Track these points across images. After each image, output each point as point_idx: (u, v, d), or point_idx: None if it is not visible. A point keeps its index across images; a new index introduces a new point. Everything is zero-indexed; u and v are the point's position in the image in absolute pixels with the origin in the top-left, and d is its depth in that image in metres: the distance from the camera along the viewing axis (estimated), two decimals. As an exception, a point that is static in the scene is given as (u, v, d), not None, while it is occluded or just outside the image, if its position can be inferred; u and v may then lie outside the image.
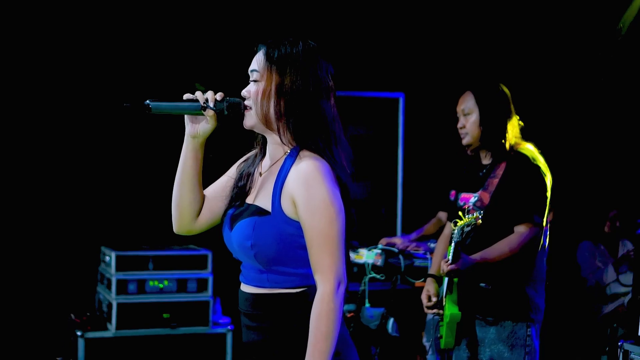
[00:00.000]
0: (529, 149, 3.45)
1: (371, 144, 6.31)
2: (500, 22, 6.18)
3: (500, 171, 3.42)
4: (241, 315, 2.26)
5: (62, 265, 5.35)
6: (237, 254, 2.23)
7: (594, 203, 6.41)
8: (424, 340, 4.71)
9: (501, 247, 3.32)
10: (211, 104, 2.21)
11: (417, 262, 4.59)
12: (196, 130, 2.24)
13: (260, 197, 2.19)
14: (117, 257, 4.92)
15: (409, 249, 4.66)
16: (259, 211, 2.15)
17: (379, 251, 4.66)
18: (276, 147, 2.23)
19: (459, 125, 3.57)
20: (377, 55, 6.10)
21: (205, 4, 5.60)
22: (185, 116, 2.25)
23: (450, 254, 3.27)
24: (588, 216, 6.40)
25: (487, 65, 6.07)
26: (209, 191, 2.36)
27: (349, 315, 4.74)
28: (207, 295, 5.05)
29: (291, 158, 2.16)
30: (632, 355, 3.65)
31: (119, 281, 4.89)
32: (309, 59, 2.19)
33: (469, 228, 3.28)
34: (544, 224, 3.40)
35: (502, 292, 3.36)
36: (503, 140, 3.44)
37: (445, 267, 3.28)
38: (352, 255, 4.69)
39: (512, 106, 3.52)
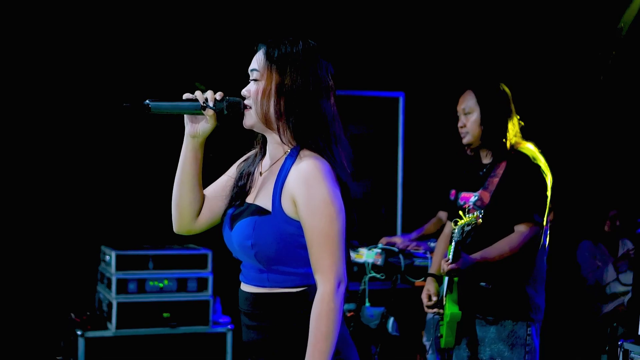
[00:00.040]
0: (530, 148, 3.45)
1: (371, 143, 6.31)
2: (500, 22, 6.18)
3: (500, 170, 3.42)
4: (241, 314, 2.26)
5: (62, 264, 5.35)
6: (237, 254, 2.23)
7: (593, 202, 6.41)
8: (424, 339, 4.71)
9: (501, 247, 3.32)
10: (211, 104, 2.21)
11: (417, 262, 4.59)
12: (196, 129, 2.24)
13: (261, 196, 2.19)
14: (117, 257, 4.92)
15: (409, 248, 4.66)
16: (259, 211, 2.15)
17: (379, 250, 4.65)
18: (276, 146, 2.23)
19: (459, 125, 3.56)
20: (377, 54, 6.10)
21: (205, 4, 5.60)
22: (185, 116, 2.25)
23: (451, 253, 3.27)
24: (588, 215, 6.40)
25: (487, 65, 6.07)
26: (209, 191, 2.36)
27: (349, 314, 4.74)
28: (207, 294, 5.06)
29: (291, 157, 2.16)
30: (632, 355, 3.65)
31: (119, 280, 4.89)
32: (309, 58, 2.18)
33: (470, 227, 3.28)
34: (544, 223, 3.40)
35: (503, 292, 3.36)
36: (504, 140, 3.44)
37: (445, 267, 3.28)
38: (352, 255, 4.69)
39: (512, 105, 3.52)
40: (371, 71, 6.15)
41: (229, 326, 5.11)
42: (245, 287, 2.24)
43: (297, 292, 2.15)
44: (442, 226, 4.20)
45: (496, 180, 3.41)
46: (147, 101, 2.17)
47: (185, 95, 2.22)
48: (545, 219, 3.40)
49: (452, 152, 4.13)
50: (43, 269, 5.33)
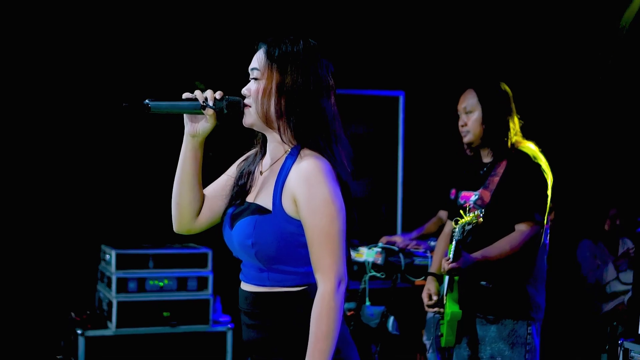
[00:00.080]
0: (530, 147, 3.45)
1: (371, 142, 6.31)
2: (500, 21, 6.18)
3: (501, 169, 3.42)
4: (241, 313, 2.26)
5: (62, 263, 5.35)
6: (237, 253, 2.23)
7: (594, 201, 6.41)
8: (424, 338, 4.71)
9: (502, 246, 3.32)
10: (210, 103, 2.20)
11: (417, 261, 4.58)
12: (196, 129, 2.24)
13: (261, 195, 2.19)
14: (117, 256, 4.92)
15: (409, 247, 4.66)
16: (260, 210, 2.15)
17: (379, 249, 4.65)
18: (276, 145, 2.23)
19: (460, 123, 3.56)
20: (378, 53, 6.10)
21: (205, 4, 5.59)
22: (185, 115, 2.25)
23: (451, 252, 3.27)
24: (588, 214, 6.40)
25: (487, 64, 6.07)
26: (209, 190, 2.36)
27: (349, 313, 4.74)
28: (207, 293, 5.06)
29: (292, 157, 2.16)
30: (632, 354, 3.65)
31: (119, 279, 4.89)
32: (309, 57, 2.18)
33: (470, 226, 3.27)
34: (545, 222, 3.40)
35: (503, 291, 3.36)
36: (505, 138, 3.44)
37: (446, 266, 3.28)
38: (353, 254, 4.69)
39: (512, 104, 3.52)
40: (371, 70, 6.15)
41: (229, 325, 5.11)
42: (245, 286, 2.24)
43: (297, 291, 2.15)
44: (443, 225, 4.20)
45: (497, 179, 3.40)
46: (146, 101, 2.17)
47: (185, 95, 2.22)
48: (545, 217, 3.40)
49: (453, 151, 4.13)
50: (43, 268, 5.33)
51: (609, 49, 6.04)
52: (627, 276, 5.86)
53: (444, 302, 3.43)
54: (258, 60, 2.21)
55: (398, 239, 4.76)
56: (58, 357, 5.13)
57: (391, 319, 4.67)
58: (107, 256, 5.07)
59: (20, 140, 5.30)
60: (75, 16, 5.32)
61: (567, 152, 6.13)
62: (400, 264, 4.55)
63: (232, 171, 2.36)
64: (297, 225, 2.12)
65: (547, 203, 3.39)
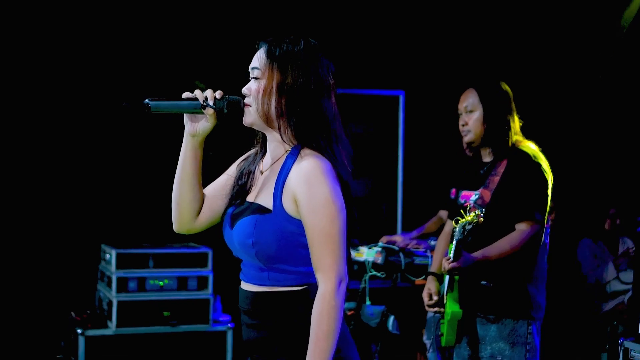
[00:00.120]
0: (530, 147, 3.45)
1: (371, 142, 6.30)
2: (500, 21, 6.17)
3: (501, 169, 3.42)
4: (241, 313, 2.26)
5: (62, 263, 5.35)
6: (237, 252, 2.23)
7: (594, 201, 6.41)
8: (425, 337, 4.71)
9: (502, 245, 3.32)
10: (211, 102, 2.20)
11: (418, 260, 4.58)
12: (196, 128, 2.24)
13: (262, 195, 2.19)
14: (118, 255, 4.92)
15: (409, 246, 4.66)
16: (261, 209, 2.15)
17: (380, 249, 4.65)
18: (277, 145, 2.23)
19: (460, 123, 3.55)
20: (378, 53, 6.10)
21: (204, 3, 5.59)
22: (185, 115, 2.25)
23: (452, 252, 3.27)
24: (588, 214, 6.40)
25: (487, 64, 6.06)
26: (209, 190, 2.35)
27: (349, 313, 4.74)
28: (208, 293, 5.06)
29: (292, 156, 2.16)
30: (632, 353, 3.65)
31: (119, 279, 4.89)
32: (310, 57, 2.18)
33: (471, 226, 3.27)
34: (545, 221, 3.40)
35: (503, 290, 3.36)
36: (506, 138, 3.44)
37: (446, 265, 3.28)
38: (353, 253, 4.69)
39: (513, 104, 3.52)
40: (371, 69, 6.15)
41: (229, 325, 5.11)
42: (245, 286, 2.24)
43: (297, 290, 2.15)
44: (443, 225, 4.20)
45: (497, 178, 3.40)
46: (146, 100, 2.16)
47: (185, 94, 2.22)
48: (546, 217, 3.39)
49: (453, 150, 4.12)
50: (43, 267, 5.33)
51: (608, 49, 6.04)
52: (627, 275, 5.86)
53: (444, 301, 3.43)
54: (259, 59, 2.21)
55: (398, 238, 4.76)
56: (58, 356, 5.13)
57: (391, 318, 4.67)
58: (108, 256, 5.07)
59: (21, 140, 5.30)
60: (75, 16, 5.32)
61: (567, 152, 6.13)
62: (400, 263, 4.55)
63: (232, 171, 2.36)
64: (298, 224, 2.12)
65: (547, 202, 3.39)
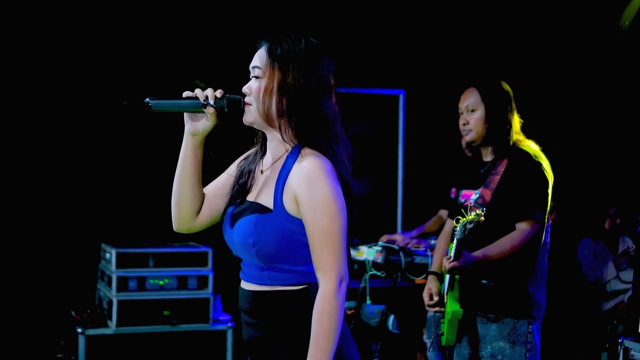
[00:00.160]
0: (531, 146, 3.45)
1: (371, 141, 6.30)
2: (500, 20, 6.17)
3: (501, 168, 3.42)
4: (241, 312, 2.25)
5: (62, 262, 5.35)
6: (238, 252, 2.23)
7: (594, 200, 6.41)
8: (425, 337, 4.71)
9: (503, 244, 3.32)
10: (211, 102, 2.20)
11: (418, 259, 4.58)
12: (196, 127, 2.23)
13: (262, 194, 2.19)
14: (118, 254, 4.92)
15: (409, 246, 4.65)
16: (261, 209, 2.15)
17: (380, 248, 4.65)
18: (277, 144, 2.23)
19: (461, 122, 3.55)
20: (378, 52, 6.10)
21: (205, 3, 5.59)
22: (185, 114, 2.24)
23: (452, 251, 3.27)
24: (588, 213, 6.39)
25: (487, 63, 6.06)
26: (209, 189, 2.35)
27: (349, 312, 4.74)
28: (208, 292, 5.06)
29: (293, 156, 2.16)
30: (632, 352, 3.65)
31: (119, 278, 4.89)
32: (311, 56, 2.18)
33: (472, 225, 3.27)
34: (546, 220, 3.40)
35: (504, 289, 3.36)
36: (507, 137, 3.44)
37: (447, 264, 3.28)
38: (353, 252, 4.69)
39: (513, 103, 3.52)
40: (372, 69, 6.15)
41: (229, 324, 5.11)
42: (245, 285, 2.24)
43: (297, 290, 2.15)
44: (443, 224, 4.20)
45: (497, 177, 3.40)
46: (147, 99, 2.16)
47: (185, 93, 2.22)
48: (546, 216, 3.39)
49: (453, 149, 4.12)
50: (43, 266, 5.33)
51: (608, 48, 6.04)
52: (627, 275, 5.86)
53: (445, 300, 3.43)
54: (259, 58, 2.21)
55: (398, 237, 4.76)
56: (58, 355, 5.13)
57: (391, 317, 4.67)
58: (108, 255, 5.07)
59: (21, 140, 5.30)
60: (75, 16, 5.32)
61: (567, 151, 6.13)
62: (400, 262, 4.55)
63: (232, 170, 2.36)
64: (298, 224, 2.12)
65: (547, 202, 3.39)
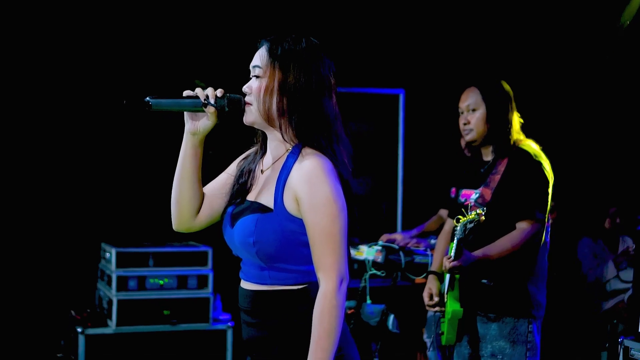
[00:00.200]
0: (531, 146, 3.45)
1: (372, 140, 6.30)
2: (500, 19, 6.17)
3: (502, 167, 3.41)
4: (241, 312, 2.25)
5: (62, 262, 5.35)
6: (238, 251, 2.23)
7: (594, 200, 6.41)
8: (425, 336, 4.71)
9: (503, 244, 3.32)
10: (212, 101, 2.20)
11: (418, 259, 4.58)
12: (196, 127, 2.23)
13: (263, 194, 2.19)
14: (118, 254, 4.92)
15: (409, 245, 4.65)
16: (262, 208, 2.15)
17: (380, 248, 4.64)
18: (277, 144, 2.22)
19: (462, 122, 3.55)
20: (378, 51, 6.10)
21: (204, 2, 5.59)
22: (185, 113, 2.24)
23: (453, 251, 3.26)
24: (588, 213, 6.39)
25: (487, 63, 6.06)
26: (209, 188, 2.35)
27: (349, 312, 4.74)
28: (208, 291, 5.05)
29: (294, 155, 2.16)
30: (632, 352, 3.64)
31: (119, 278, 4.89)
32: (312, 56, 2.18)
33: (472, 224, 3.27)
34: (546, 220, 3.40)
35: (504, 289, 3.36)
36: (508, 137, 3.44)
37: (447, 264, 3.28)
38: (353, 252, 4.68)
39: (513, 103, 3.52)
40: (372, 68, 6.14)
41: (229, 323, 5.11)
42: (245, 285, 2.24)
43: (297, 289, 2.15)
44: (443, 224, 4.19)
45: (497, 177, 3.40)
46: (147, 98, 2.16)
47: (186, 92, 2.22)
48: (546, 216, 3.39)
49: (453, 149, 4.12)
50: (43, 266, 5.33)
51: (608, 48, 6.04)
52: (627, 274, 5.86)
53: (445, 300, 3.43)
54: (260, 57, 2.20)
55: (398, 237, 4.75)
56: (58, 355, 5.13)
57: (391, 317, 4.67)
58: (108, 254, 5.07)
59: (21, 139, 5.30)
60: (75, 15, 5.31)
61: (567, 151, 6.13)
62: (400, 262, 4.55)
63: (232, 169, 2.35)
64: (299, 223, 2.12)
65: (548, 201, 3.39)
